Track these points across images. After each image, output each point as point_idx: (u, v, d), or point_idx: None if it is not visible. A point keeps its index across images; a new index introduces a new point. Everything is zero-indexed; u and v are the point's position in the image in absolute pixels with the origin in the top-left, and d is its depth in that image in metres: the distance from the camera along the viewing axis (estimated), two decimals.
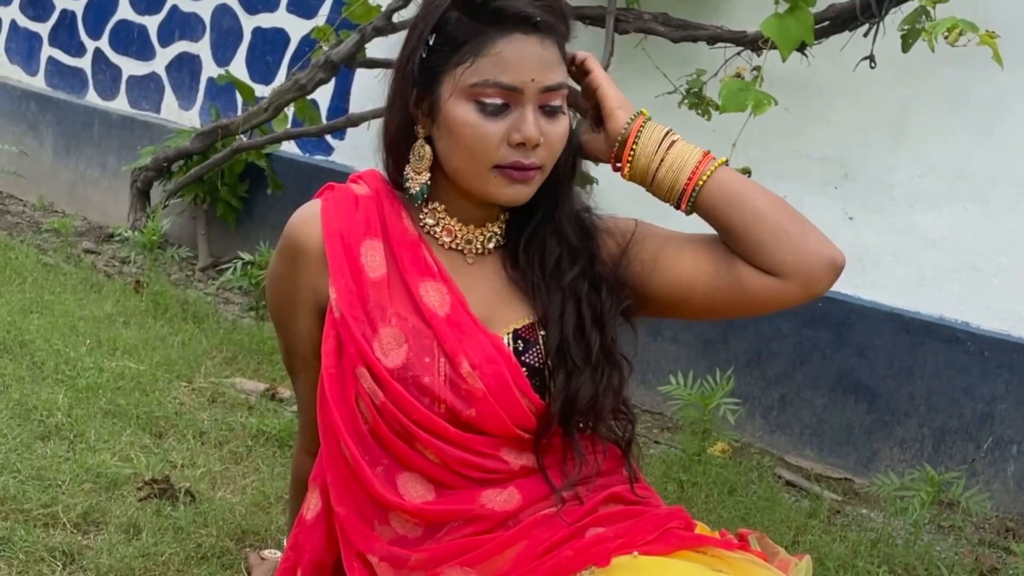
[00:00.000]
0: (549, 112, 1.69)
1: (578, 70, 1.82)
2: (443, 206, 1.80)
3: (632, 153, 1.78)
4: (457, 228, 1.81)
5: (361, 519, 1.77)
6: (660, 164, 1.77)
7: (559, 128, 1.71)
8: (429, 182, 1.77)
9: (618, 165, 1.81)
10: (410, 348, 1.72)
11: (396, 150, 1.80)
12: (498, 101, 1.66)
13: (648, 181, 1.79)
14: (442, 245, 1.81)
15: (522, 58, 1.66)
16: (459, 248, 1.81)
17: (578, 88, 1.84)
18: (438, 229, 1.81)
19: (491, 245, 1.82)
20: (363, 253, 1.77)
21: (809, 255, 1.71)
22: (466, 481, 1.74)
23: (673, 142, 1.78)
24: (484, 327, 1.76)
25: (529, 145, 1.67)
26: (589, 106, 1.84)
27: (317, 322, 1.80)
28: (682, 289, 1.80)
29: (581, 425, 1.79)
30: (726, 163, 1.78)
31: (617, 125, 1.79)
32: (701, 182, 1.75)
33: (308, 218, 1.79)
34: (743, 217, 1.73)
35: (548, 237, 1.79)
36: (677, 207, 1.80)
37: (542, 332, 1.78)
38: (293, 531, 1.91)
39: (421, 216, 1.82)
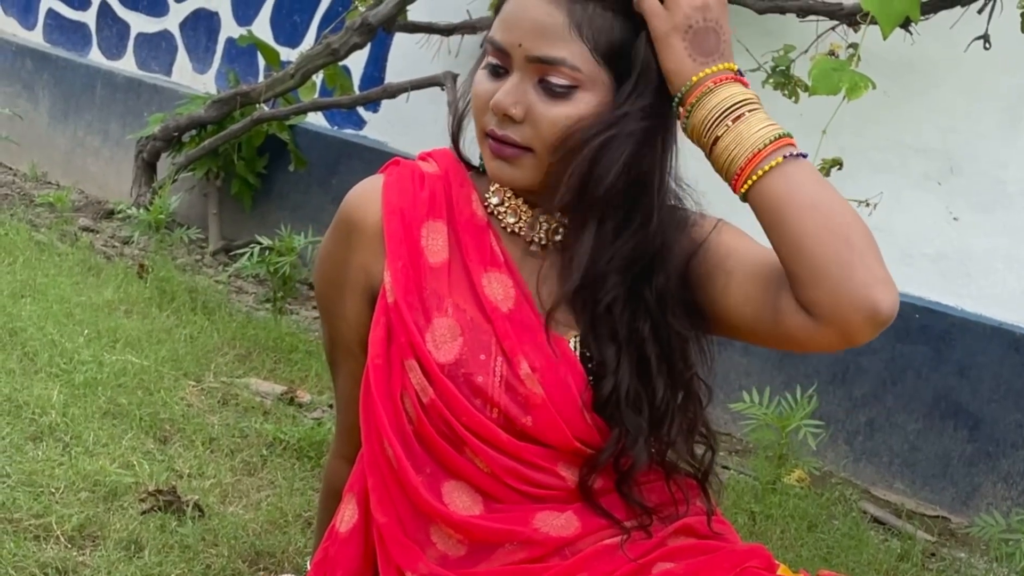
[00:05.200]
0: (549, 91, 1.69)
1: None
2: None
3: (701, 96, 1.66)
4: (523, 209, 1.82)
5: (403, 531, 1.78)
6: (727, 131, 1.65)
7: (555, 111, 1.68)
8: None
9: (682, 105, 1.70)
10: (465, 342, 1.74)
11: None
12: (494, 61, 1.72)
13: (708, 143, 1.67)
14: (505, 228, 1.82)
15: (517, 18, 1.69)
16: (522, 233, 1.82)
17: None
18: (502, 209, 1.83)
19: (558, 237, 1.82)
20: (424, 235, 1.79)
21: (847, 301, 1.58)
22: (518, 496, 1.76)
23: (753, 109, 1.66)
24: (550, 327, 1.77)
25: (496, 112, 1.70)
26: None
27: (367, 308, 1.83)
28: (730, 314, 1.75)
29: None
30: (803, 156, 1.65)
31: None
32: (758, 174, 1.63)
33: (368, 193, 1.83)
34: (783, 237, 1.63)
35: (603, 268, 1.74)
36: (734, 191, 1.69)
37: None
38: (322, 545, 1.93)
39: (487, 196, 1.83)
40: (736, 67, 1.69)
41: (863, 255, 1.59)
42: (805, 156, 1.66)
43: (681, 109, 1.69)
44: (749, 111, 1.66)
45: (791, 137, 1.65)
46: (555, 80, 1.68)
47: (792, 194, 1.63)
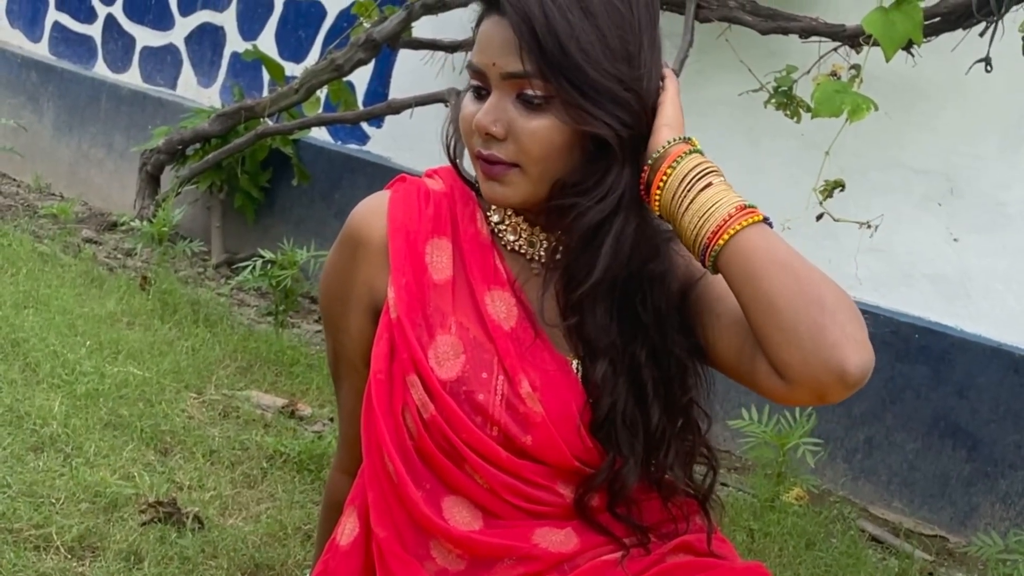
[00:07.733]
0: (527, 104, 1.69)
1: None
2: None
3: (663, 182, 1.68)
4: (522, 227, 1.82)
5: (402, 545, 1.78)
6: (689, 206, 1.65)
7: (534, 124, 1.68)
8: None
9: (649, 194, 1.72)
10: (467, 360, 1.74)
11: None
12: (476, 83, 1.73)
13: (675, 223, 1.69)
14: (505, 246, 1.82)
15: (488, 39, 1.70)
16: (523, 251, 1.82)
17: None
18: (503, 227, 1.83)
19: (558, 256, 1.81)
20: (428, 252, 1.79)
21: (816, 362, 1.56)
22: (517, 512, 1.76)
23: (710, 183, 1.65)
24: (552, 347, 1.77)
25: (479, 132, 1.70)
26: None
27: (370, 323, 1.83)
28: (715, 354, 1.77)
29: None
30: (765, 221, 1.64)
31: (655, 143, 1.69)
32: (721, 242, 1.63)
33: (374, 209, 1.83)
34: (753, 301, 1.61)
35: (592, 292, 1.74)
36: (703, 266, 1.70)
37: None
38: (323, 558, 1.92)
39: (490, 213, 1.84)
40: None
41: (835, 315, 1.57)
42: (771, 225, 1.66)
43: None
44: (717, 177, 1.66)
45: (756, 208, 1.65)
46: (530, 92, 1.68)
47: (766, 252, 1.61)
